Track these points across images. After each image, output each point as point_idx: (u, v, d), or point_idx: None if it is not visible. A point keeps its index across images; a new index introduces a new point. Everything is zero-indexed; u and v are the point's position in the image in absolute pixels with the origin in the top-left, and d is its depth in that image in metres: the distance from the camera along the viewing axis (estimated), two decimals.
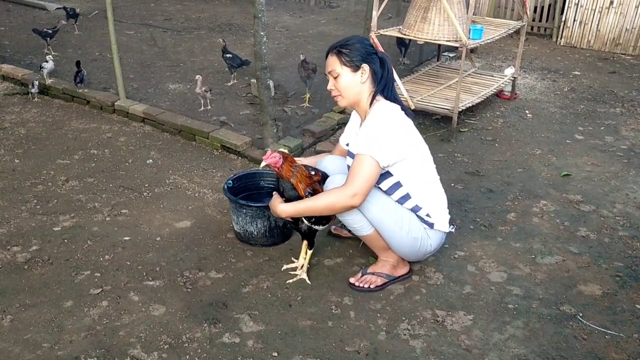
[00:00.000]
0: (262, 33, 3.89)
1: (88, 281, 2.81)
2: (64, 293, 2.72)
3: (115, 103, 4.89)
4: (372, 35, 4.60)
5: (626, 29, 7.31)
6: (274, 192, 2.76)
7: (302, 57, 5.01)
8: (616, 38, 7.42)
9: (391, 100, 2.65)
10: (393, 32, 4.70)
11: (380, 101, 2.62)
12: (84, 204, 3.51)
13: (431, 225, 2.77)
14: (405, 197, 2.70)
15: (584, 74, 6.52)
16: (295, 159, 2.89)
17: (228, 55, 5.71)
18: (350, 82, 2.60)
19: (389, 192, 2.69)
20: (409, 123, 2.64)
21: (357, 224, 2.70)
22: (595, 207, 3.61)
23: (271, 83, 4.21)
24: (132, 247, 3.10)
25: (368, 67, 2.59)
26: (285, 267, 2.94)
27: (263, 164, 2.62)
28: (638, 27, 7.23)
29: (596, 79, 6.36)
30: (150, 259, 3.00)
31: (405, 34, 4.58)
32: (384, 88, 2.63)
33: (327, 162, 2.98)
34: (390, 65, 2.67)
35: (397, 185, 2.67)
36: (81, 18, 8.44)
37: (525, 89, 5.88)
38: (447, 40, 4.42)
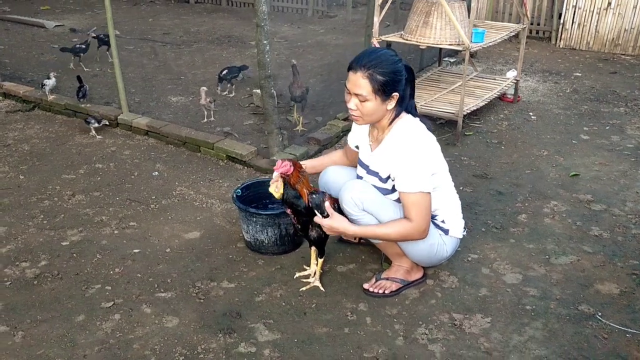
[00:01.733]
0: (264, 42, 3.88)
1: (99, 295, 2.78)
2: (75, 307, 2.69)
3: (118, 117, 4.88)
4: (374, 41, 4.60)
5: (625, 29, 7.33)
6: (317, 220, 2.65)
7: (293, 62, 4.82)
8: (615, 39, 7.43)
9: (411, 112, 2.61)
10: (395, 37, 4.69)
11: (402, 118, 2.58)
12: (91, 217, 3.48)
13: (446, 232, 2.74)
14: None
15: (585, 75, 6.52)
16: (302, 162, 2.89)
17: (224, 72, 5.71)
18: (377, 109, 2.50)
19: None
20: (432, 138, 2.60)
21: None
22: (606, 206, 3.59)
23: (274, 92, 4.19)
24: (142, 259, 3.07)
25: (398, 95, 2.50)
26: (297, 275, 2.91)
27: (275, 173, 2.59)
28: (637, 27, 7.25)
29: (598, 79, 6.36)
30: (161, 271, 2.97)
31: (407, 40, 4.57)
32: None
33: (331, 175, 2.91)
34: (414, 78, 2.60)
35: None
36: (80, 34, 8.49)
37: (527, 92, 5.88)
38: (449, 44, 4.42)
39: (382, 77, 2.42)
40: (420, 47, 4.53)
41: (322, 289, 2.79)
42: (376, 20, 4.60)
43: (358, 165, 2.82)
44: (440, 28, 4.37)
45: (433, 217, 2.71)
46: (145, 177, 4.03)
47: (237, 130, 4.84)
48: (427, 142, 2.55)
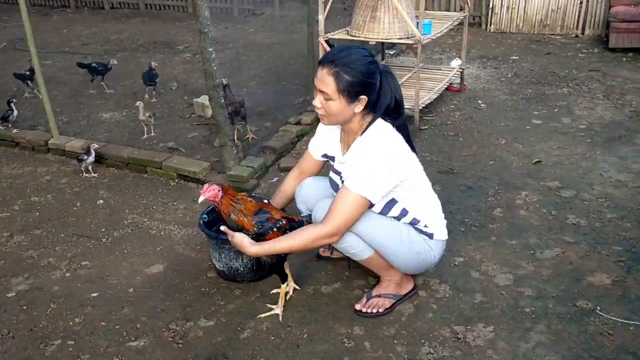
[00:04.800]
0: (210, 49, 3.60)
1: (61, 352, 2.44)
2: None
3: (49, 141, 4.44)
4: (321, 39, 4.40)
5: (552, 9, 7.49)
6: (223, 228, 2.44)
7: (224, 82, 4.09)
8: (543, 19, 7.58)
9: (399, 122, 2.41)
10: (341, 34, 4.51)
11: (377, 123, 2.36)
12: (36, 261, 3.10)
13: (430, 236, 2.58)
14: (402, 213, 2.49)
15: (522, 58, 6.59)
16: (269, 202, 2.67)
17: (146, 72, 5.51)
18: (342, 110, 2.31)
19: (384, 211, 2.46)
20: (403, 144, 2.39)
21: (355, 249, 2.47)
22: (575, 192, 3.56)
23: (223, 102, 3.90)
24: (104, 304, 2.74)
25: (366, 99, 2.30)
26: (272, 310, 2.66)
27: (201, 198, 2.36)
28: (562, 6, 7.43)
29: (535, 61, 6.44)
30: (128, 315, 2.65)
31: (354, 36, 4.40)
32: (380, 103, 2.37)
33: (307, 191, 2.70)
34: (392, 81, 2.38)
35: (392, 202, 2.46)
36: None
37: (470, 79, 5.86)
38: (399, 38, 4.28)
39: (349, 77, 2.24)
40: (370, 43, 4.37)
41: (280, 318, 2.57)
42: (321, 18, 4.41)
43: (332, 172, 2.61)
44: (388, 22, 4.22)
45: (416, 222, 2.55)
46: (89, 207, 3.66)
47: (182, 144, 4.52)
48: (394, 151, 2.33)
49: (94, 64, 5.86)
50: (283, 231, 2.45)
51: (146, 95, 5.56)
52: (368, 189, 2.26)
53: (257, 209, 2.45)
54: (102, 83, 5.93)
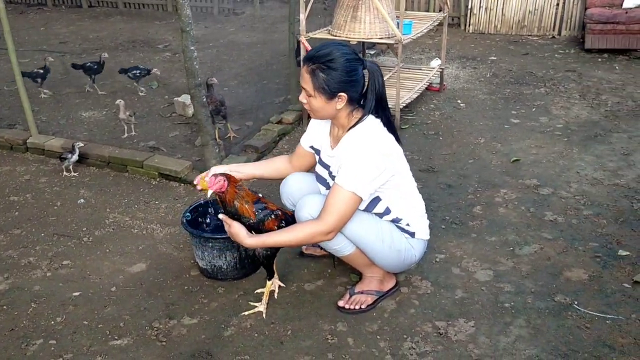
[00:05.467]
0: (192, 48, 3.59)
1: (43, 352, 2.42)
2: None
3: (28, 140, 4.39)
4: (302, 39, 4.42)
5: (529, 11, 7.60)
6: (221, 216, 2.46)
7: (213, 81, 4.32)
8: (521, 20, 7.69)
9: (384, 118, 2.44)
10: (323, 34, 4.53)
11: (365, 120, 2.39)
12: (16, 260, 3.07)
13: (412, 235, 2.61)
14: (385, 211, 2.53)
15: (500, 59, 6.68)
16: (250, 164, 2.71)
17: (126, 68, 5.52)
18: (323, 107, 2.35)
19: (368, 208, 2.51)
20: (391, 140, 2.43)
21: (337, 245, 2.50)
22: (553, 190, 3.63)
23: (205, 101, 3.90)
24: (86, 303, 2.73)
25: (346, 96, 2.33)
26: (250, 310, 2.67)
27: (210, 192, 2.35)
28: (540, 8, 7.54)
29: (513, 62, 6.53)
30: (110, 314, 2.64)
31: (336, 35, 4.43)
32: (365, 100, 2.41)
33: (292, 186, 2.72)
34: (378, 79, 2.40)
35: (376, 200, 2.50)
36: None
37: (450, 79, 5.92)
38: (380, 38, 4.32)
39: (325, 75, 2.27)
40: (351, 42, 4.39)
41: (264, 316, 2.58)
42: (302, 17, 4.42)
43: (318, 165, 2.63)
44: (369, 22, 4.25)
45: (397, 221, 2.58)
46: (70, 206, 3.63)
47: (164, 143, 4.50)
48: (381, 146, 2.37)
49: (88, 64, 5.78)
50: (279, 220, 2.49)
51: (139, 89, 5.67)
52: (359, 185, 2.30)
53: (255, 199, 2.47)
54: (94, 84, 5.84)
